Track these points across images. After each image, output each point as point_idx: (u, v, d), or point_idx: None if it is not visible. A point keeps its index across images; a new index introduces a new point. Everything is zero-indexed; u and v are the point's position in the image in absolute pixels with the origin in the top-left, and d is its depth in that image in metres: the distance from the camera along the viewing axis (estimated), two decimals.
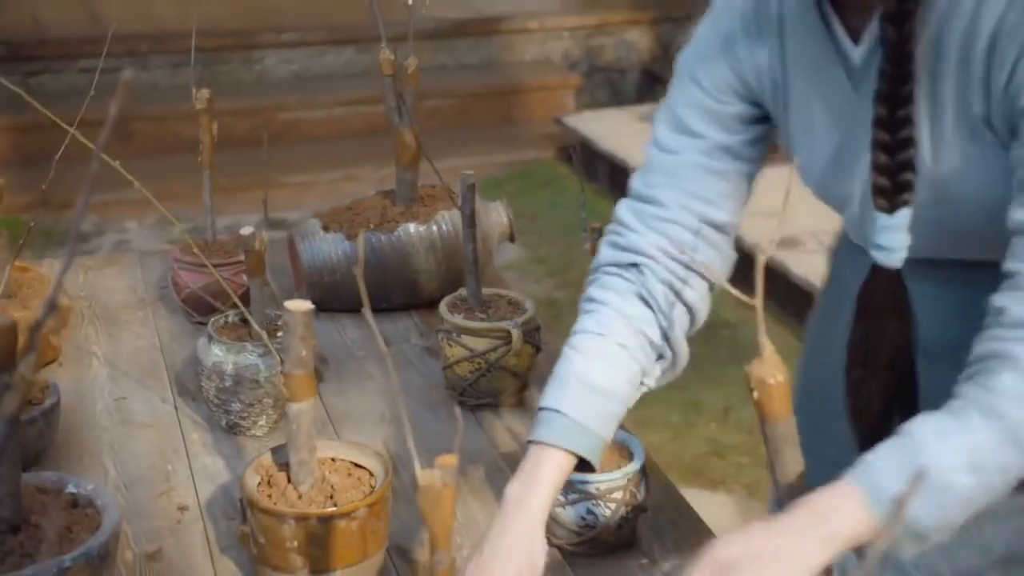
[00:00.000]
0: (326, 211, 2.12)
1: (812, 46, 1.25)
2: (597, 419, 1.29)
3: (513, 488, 1.26)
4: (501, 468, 1.63)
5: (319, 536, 1.32)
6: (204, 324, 1.83)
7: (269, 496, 1.35)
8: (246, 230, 1.64)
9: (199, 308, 1.99)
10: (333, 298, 2.02)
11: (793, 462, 1.06)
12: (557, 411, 1.28)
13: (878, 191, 1.19)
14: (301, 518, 1.32)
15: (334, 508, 1.33)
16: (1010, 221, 1.11)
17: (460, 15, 5.25)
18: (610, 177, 4.57)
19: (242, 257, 2.00)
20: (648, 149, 1.37)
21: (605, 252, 1.38)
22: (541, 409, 1.30)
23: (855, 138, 1.23)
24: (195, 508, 1.54)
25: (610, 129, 4.64)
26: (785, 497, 1.07)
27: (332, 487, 1.37)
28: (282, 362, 1.33)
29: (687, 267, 1.33)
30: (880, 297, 1.25)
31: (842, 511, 1.05)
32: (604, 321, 1.32)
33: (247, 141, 4.29)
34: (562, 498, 1.45)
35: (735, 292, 1.05)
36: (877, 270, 1.24)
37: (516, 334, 1.74)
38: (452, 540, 1.04)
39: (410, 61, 2.00)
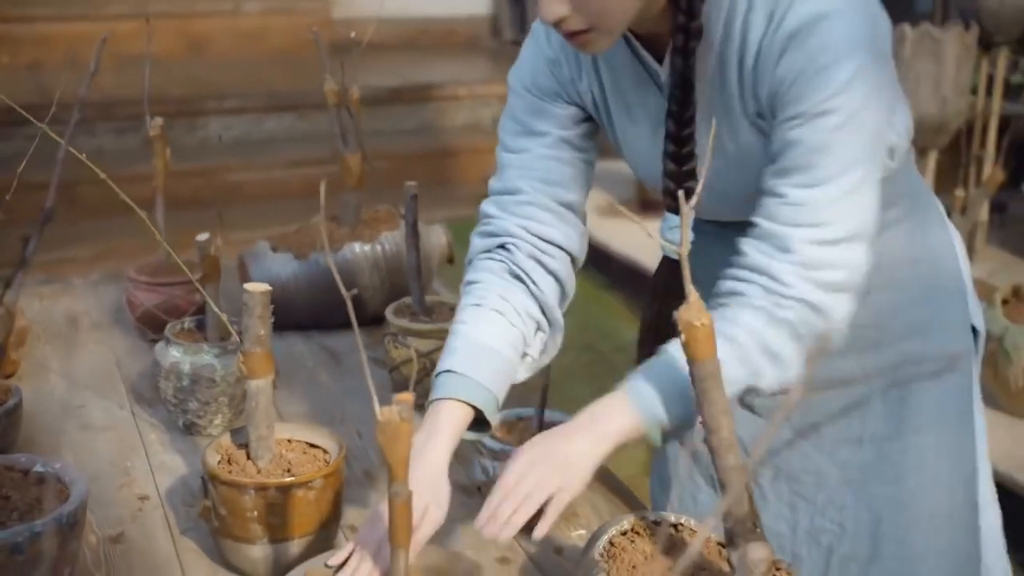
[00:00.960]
0: (275, 234, 2.17)
1: (626, 71, 1.39)
2: (485, 374, 1.34)
3: (415, 440, 1.28)
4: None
5: (278, 505, 1.35)
6: (157, 341, 1.86)
7: (230, 472, 1.38)
8: (202, 236, 1.68)
9: (153, 326, 2.01)
10: (283, 315, 2.03)
11: (719, 399, 1.12)
12: (449, 371, 1.34)
13: (667, 193, 1.36)
14: (260, 488, 1.34)
15: (292, 479, 1.36)
16: (762, 183, 1.26)
17: (395, 83, 5.34)
18: None
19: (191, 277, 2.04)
20: (500, 155, 1.49)
21: (476, 243, 1.48)
22: (442, 372, 1.35)
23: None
24: (155, 498, 1.56)
25: None
26: (711, 433, 1.13)
27: (289, 462, 1.40)
28: (241, 341, 1.37)
29: (547, 241, 1.44)
30: (669, 283, 1.45)
31: (615, 418, 1.26)
32: (481, 294, 1.40)
33: (191, 201, 4.29)
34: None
35: (671, 244, 1.11)
36: (666, 259, 1.44)
37: None
38: (408, 474, 1.08)
39: (353, 90, 2.06)
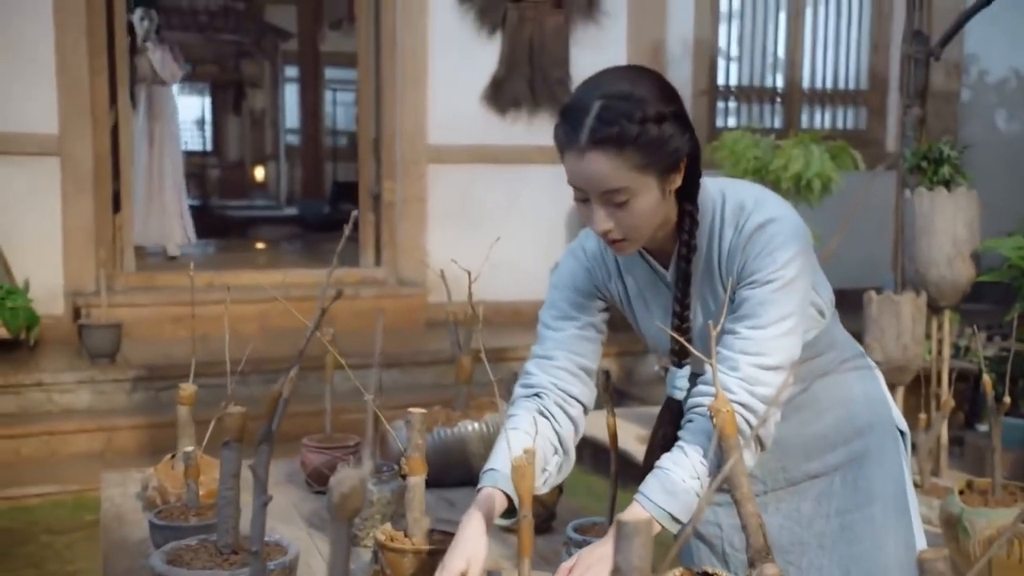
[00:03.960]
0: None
1: (643, 276, 1.71)
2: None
3: (472, 514, 1.57)
4: None
5: (429, 566, 1.56)
6: (324, 492, 2.11)
7: (393, 543, 1.61)
8: (368, 396, 1.96)
9: (319, 480, 2.26)
10: None
11: (740, 465, 1.35)
12: (492, 469, 1.63)
13: (672, 353, 1.65)
14: (416, 553, 1.57)
15: (438, 547, 1.58)
16: (725, 326, 1.55)
17: (476, 347, 5.70)
18: (592, 458, 4.87)
19: (350, 443, 2.31)
20: (542, 330, 1.78)
21: (518, 391, 1.76)
22: (487, 471, 1.63)
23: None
24: None
25: (591, 423, 5.00)
26: (735, 488, 1.35)
27: (434, 539, 1.63)
28: (402, 462, 1.62)
29: (568, 394, 1.72)
30: (672, 417, 1.68)
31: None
32: (518, 423, 1.68)
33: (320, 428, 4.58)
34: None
35: (698, 353, 1.38)
36: (670, 400, 1.69)
37: None
38: (531, 502, 1.32)
39: (467, 308, 2.38)
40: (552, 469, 1.70)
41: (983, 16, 5.60)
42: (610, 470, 1.87)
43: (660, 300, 1.69)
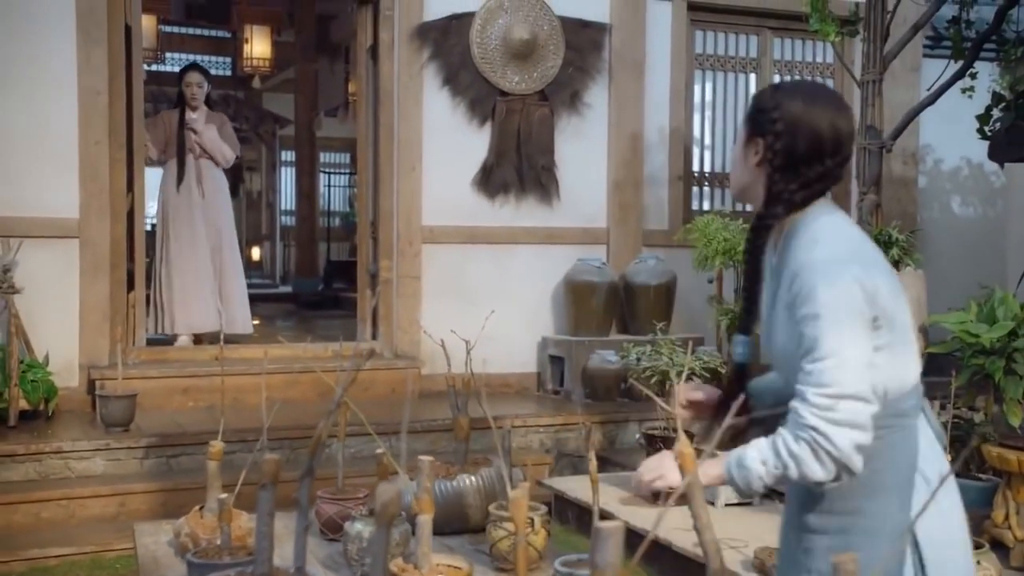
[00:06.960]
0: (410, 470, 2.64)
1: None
2: None
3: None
4: None
5: None
6: (337, 540, 2.31)
7: (404, 572, 1.81)
8: (380, 450, 2.17)
9: (332, 528, 2.46)
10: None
11: (699, 497, 1.57)
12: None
13: (740, 321, 1.97)
14: None
15: None
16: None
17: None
18: (577, 519, 5.04)
19: (359, 495, 2.51)
20: None
21: None
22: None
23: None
24: None
25: (575, 487, 5.19)
26: (695, 519, 1.57)
27: (440, 571, 1.83)
28: (412, 503, 1.83)
29: None
30: (735, 375, 1.98)
31: (713, 467, 1.83)
32: None
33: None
34: None
35: (659, 402, 1.61)
36: (735, 363, 1.99)
37: (537, 520, 2.24)
38: (525, 527, 1.53)
39: (467, 379, 2.60)
40: None
41: (935, 111, 5.96)
42: (591, 530, 2.08)
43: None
